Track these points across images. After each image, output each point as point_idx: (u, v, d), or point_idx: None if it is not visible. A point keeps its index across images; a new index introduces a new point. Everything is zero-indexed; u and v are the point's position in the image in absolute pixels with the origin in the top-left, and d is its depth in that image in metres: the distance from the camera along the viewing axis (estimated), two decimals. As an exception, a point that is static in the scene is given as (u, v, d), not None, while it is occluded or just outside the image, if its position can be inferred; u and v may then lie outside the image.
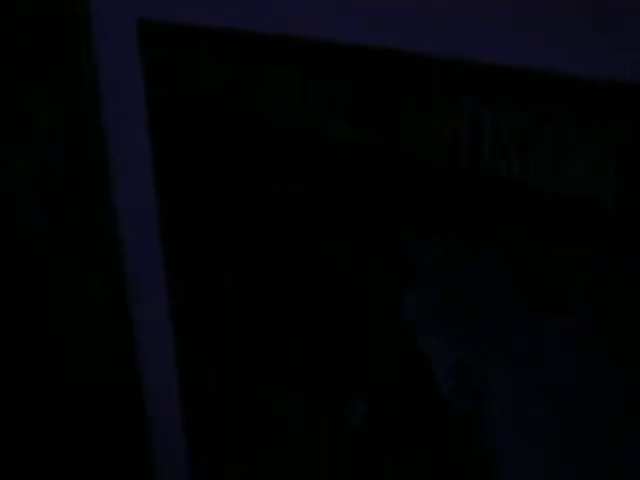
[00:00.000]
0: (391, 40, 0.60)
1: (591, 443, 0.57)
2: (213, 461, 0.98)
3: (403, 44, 0.59)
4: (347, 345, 0.74)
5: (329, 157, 0.68)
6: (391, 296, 0.68)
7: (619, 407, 0.55)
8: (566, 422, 0.59)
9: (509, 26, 0.52)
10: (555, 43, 0.50)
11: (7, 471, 1.34)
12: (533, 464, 0.62)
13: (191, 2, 0.76)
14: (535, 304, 0.58)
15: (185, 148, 0.84)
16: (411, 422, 0.70)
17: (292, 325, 0.79)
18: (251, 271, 0.81)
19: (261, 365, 0.85)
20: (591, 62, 0.50)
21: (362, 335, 0.72)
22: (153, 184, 0.92)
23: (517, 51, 0.52)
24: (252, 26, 0.71)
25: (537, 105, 0.53)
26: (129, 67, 0.88)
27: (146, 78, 0.85)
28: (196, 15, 0.77)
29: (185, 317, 0.93)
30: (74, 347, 1.18)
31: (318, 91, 0.66)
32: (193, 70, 0.79)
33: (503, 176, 0.56)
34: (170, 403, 1.04)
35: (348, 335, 0.73)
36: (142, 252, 0.97)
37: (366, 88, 0.63)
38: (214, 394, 0.94)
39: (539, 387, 0.60)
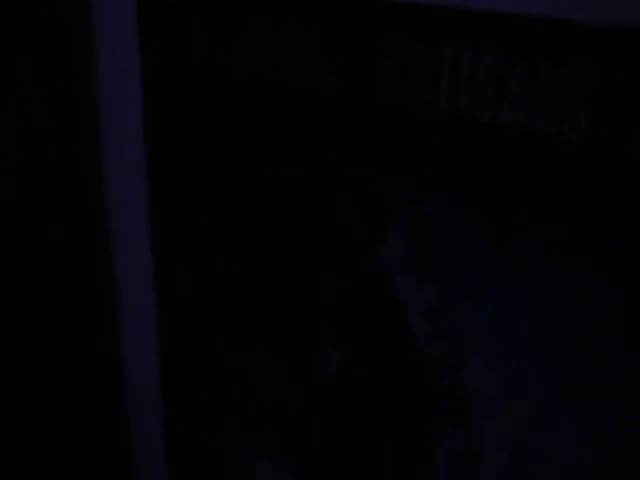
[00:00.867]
0: (375, -12, 0.62)
1: (558, 375, 0.60)
2: (190, 435, 1.00)
3: (386, -9, 0.62)
4: (322, 296, 0.76)
5: (311, 105, 0.70)
6: (366, 245, 0.70)
7: (583, 338, 0.57)
8: (532, 358, 0.61)
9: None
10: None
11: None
12: (504, 404, 0.65)
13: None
14: (499, 244, 0.61)
15: (175, 115, 0.86)
16: (385, 368, 0.72)
17: (268, 279, 0.81)
18: (228, 226, 0.83)
19: (238, 321, 0.87)
20: (569, 7, 0.52)
21: (337, 286, 0.74)
22: (143, 145, 0.93)
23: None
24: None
25: (510, 46, 0.55)
26: (126, 39, 0.90)
27: (142, 50, 0.87)
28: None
29: (166, 278, 0.95)
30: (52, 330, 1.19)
31: (300, 41, 0.69)
32: (184, 40, 0.81)
33: (479, 118, 0.59)
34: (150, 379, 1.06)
35: (324, 286, 0.75)
36: (128, 218, 0.99)
37: (346, 35, 0.65)
38: (193, 354, 0.96)
39: (506, 324, 0.62)
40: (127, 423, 1.14)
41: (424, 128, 0.63)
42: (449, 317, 0.65)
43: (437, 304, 0.66)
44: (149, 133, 0.90)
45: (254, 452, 0.90)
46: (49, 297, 1.19)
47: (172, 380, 1.00)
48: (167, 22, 0.83)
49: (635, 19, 0.49)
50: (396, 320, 0.69)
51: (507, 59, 0.55)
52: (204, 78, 0.81)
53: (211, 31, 0.78)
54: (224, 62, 0.78)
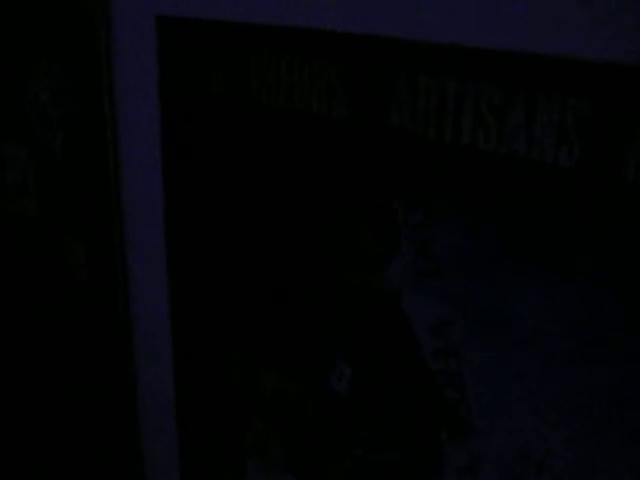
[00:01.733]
0: (383, 28, 0.67)
1: (561, 388, 0.63)
2: (202, 443, 1.04)
3: (393, 31, 0.67)
4: (335, 314, 0.80)
5: (327, 135, 0.75)
6: (375, 266, 0.74)
7: (582, 350, 0.61)
8: (532, 376, 0.65)
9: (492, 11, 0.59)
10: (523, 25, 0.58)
11: None
12: (507, 419, 0.68)
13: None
14: (503, 266, 0.65)
15: (191, 126, 0.91)
16: (395, 383, 0.75)
17: (282, 298, 0.85)
18: (245, 247, 0.88)
19: (252, 339, 0.91)
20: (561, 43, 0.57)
21: (349, 304, 0.78)
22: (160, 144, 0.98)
23: (497, 35, 0.60)
24: (259, 18, 0.79)
25: (511, 82, 0.59)
26: (144, 58, 0.95)
27: (160, 69, 0.92)
28: (207, 10, 0.84)
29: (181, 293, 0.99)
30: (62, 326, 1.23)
31: (317, 77, 0.73)
32: (201, 63, 0.86)
33: (481, 148, 0.63)
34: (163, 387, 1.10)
35: (336, 305, 0.79)
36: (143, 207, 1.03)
37: (358, 73, 0.70)
38: (206, 373, 0.99)
39: (506, 344, 0.65)
40: (141, 436, 1.17)
41: (432, 158, 0.67)
42: (453, 335, 0.69)
43: (442, 321, 0.69)
44: (166, 160, 0.95)
45: (264, 466, 0.93)
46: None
47: (186, 398, 1.04)
48: (184, 46, 0.88)
49: (625, 55, 0.54)
50: (405, 337, 0.72)
51: (508, 92, 0.60)
52: (219, 107, 0.86)
53: (226, 59, 0.83)
54: (242, 92, 0.83)
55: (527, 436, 0.66)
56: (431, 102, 0.65)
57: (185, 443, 1.07)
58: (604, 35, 0.54)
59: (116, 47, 0.99)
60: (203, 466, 1.05)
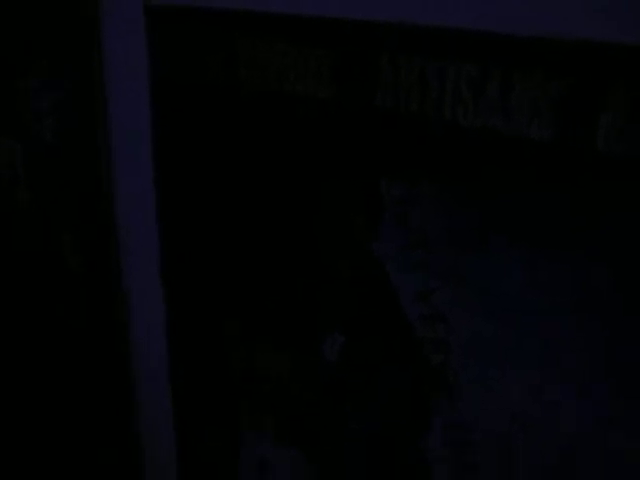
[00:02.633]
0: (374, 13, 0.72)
1: (546, 347, 0.68)
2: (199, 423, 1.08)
3: (377, 15, 0.71)
4: (325, 285, 0.84)
5: (316, 115, 0.79)
6: (363, 235, 0.79)
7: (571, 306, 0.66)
8: (517, 342, 0.70)
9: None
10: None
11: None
12: (494, 378, 0.73)
13: (193, -14, 0.87)
14: (485, 236, 0.69)
15: (183, 119, 0.94)
16: (383, 349, 0.80)
17: (274, 274, 0.89)
18: (235, 220, 0.92)
19: (246, 313, 0.95)
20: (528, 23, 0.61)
21: (337, 273, 0.83)
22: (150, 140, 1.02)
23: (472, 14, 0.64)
24: (251, 5, 0.83)
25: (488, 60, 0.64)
26: (134, 48, 0.98)
27: (150, 58, 0.96)
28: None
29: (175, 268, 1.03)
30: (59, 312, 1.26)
31: (306, 58, 0.78)
32: (191, 51, 0.90)
33: (461, 123, 0.68)
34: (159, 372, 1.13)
35: (326, 276, 0.84)
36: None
37: (346, 52, 0.74)
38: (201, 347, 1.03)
39: (488, 308, 0.70)
40: (137, 412, 1.21)
41: (414, 134, 0.72)
42: (440, 302, 0.74)
43: (425, 289, 0.74)
44: (157, 138, 0.99)
45: (263, 437, 0.98)
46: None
47: (180, 370, 1.08)
48: (174, 31, 0.92)
49: (598, 33, 0.58)
50: (392, 304, 0.77)
51: (485, 70, 0.64)
52: (209, 94, 0.89)
53: (215, 42, 0.87)
54: (227, 73, 0.86)
55: (514, 396, 0.71)
56: (412, 80, 0.70)
57: (180, 416, 1.11)
58: (577, 14, 0.59)
59: (106, 36, 1.02)
60: (198, 438, 1.09)
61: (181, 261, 1.02)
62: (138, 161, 1.04)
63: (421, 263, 0.75)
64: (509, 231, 0.68)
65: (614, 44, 0.57)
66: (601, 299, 0.63)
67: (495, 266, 0.69)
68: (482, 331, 0.71)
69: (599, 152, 0.60)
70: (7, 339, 1.40)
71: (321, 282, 0.85)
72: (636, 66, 0.56)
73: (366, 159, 0.76)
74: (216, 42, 0.87)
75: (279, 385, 0.94)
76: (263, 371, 0.95)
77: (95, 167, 1.10)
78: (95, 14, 1.02)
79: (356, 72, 0.74)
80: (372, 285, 0.79)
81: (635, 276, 0.60)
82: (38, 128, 1.16)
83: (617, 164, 0.59)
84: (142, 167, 1.04)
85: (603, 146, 0.59)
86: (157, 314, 1.11)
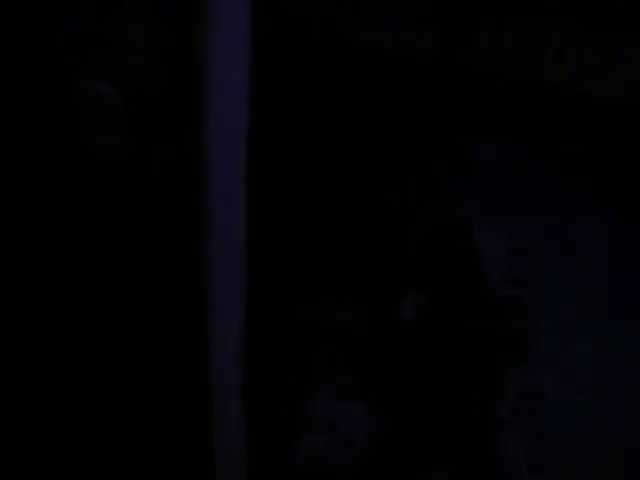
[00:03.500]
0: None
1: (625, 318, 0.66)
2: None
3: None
4: (406, 244, 0.84)
5: (409, 73, 0.78)
6: (449, 197, 0.78)
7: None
8: (598, 307, 0.68)
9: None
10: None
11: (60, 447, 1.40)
12: (570, 344, 0.71)
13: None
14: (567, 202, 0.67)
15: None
16: (460, 310, 0.79)
17: (354, 232, 0.89)
18: (324, 173, 0.92)
19: (323, 273, 0.95)
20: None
21: (419, 236, 0.82)
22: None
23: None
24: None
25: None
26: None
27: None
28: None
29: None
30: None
31: (404, 16, 0.77)
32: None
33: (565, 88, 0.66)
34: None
35: (407, 235, 0.83)
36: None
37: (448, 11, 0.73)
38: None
39: (574, 274, 0.69)
40: (210, 366, 1.22)
41: (510, 97, 0.70)
42: (523, 265, 0.72)
43: (511, 251, 0.73)
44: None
45: (332, 389, 0.98)
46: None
47: (254, 327, 1.09)
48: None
49: None
50: (475, 266, 0.76)
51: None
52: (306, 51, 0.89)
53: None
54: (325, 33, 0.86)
55: (589, 363, 0.69)
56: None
57: (249, 364, 1.12)
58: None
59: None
60: (265, 389, 1.10)
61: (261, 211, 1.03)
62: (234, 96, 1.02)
63: (507, 227, 0.73)
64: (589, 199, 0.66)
65: None
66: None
67: (578, 230, 0.67)
68: (565, 297, 0.69)
69: None
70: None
71: (404, 239, 0.84)
72: None
73: (459, 123, 0.75)
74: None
75: (355, 340, 0.94)
76: (340, 327, 0.96)
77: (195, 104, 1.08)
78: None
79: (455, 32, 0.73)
80: (457, 247, 0.78)
81: None
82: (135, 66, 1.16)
83: None
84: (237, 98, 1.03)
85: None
86: (237, 266, 1.12)
